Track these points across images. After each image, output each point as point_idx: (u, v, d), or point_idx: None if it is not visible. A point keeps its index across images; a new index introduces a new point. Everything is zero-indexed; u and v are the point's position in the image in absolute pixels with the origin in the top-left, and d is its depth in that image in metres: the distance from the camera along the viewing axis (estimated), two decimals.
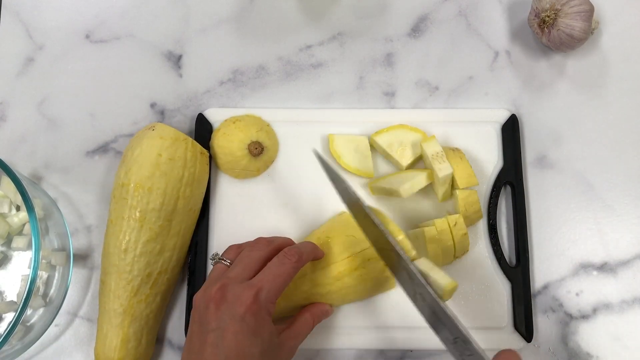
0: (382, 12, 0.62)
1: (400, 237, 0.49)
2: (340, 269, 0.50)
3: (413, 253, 0.48)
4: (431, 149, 0.54)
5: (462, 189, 0.53)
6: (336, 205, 0.53)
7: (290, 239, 0.51)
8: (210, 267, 0.53)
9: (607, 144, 0.59)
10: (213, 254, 0.49)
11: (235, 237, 0.54)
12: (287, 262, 0.45)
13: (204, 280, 0.54)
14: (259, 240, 0.49)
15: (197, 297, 0.45)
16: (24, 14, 0.63)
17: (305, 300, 0.51)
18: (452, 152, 0.54)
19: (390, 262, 0.47)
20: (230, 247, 0.49)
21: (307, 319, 0.49)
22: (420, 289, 0.44)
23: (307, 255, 0.48)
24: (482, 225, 0.56)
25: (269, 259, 0.47)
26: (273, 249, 0.47)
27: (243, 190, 0.56)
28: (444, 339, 0.44)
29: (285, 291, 0.48)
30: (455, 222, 0.52)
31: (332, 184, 0.48)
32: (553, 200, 0.57)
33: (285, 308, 0.51)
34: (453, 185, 0.54)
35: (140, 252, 0.49)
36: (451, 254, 0.53)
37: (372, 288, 0.52)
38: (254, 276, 0.45)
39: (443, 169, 0.53)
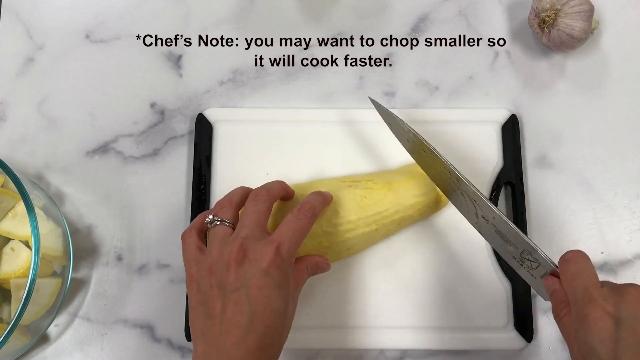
0: (382, 12, 0.62)
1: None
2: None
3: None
4: None
5: None
6: None
7: (283, 181, 0.50)
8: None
9: (607, 144, 0.59)
10: (209, 218, 0.47)
11: None
12: (302, 217, 0.46)
13: None
14: (258, 192, 0.48)
15: (212, 260, 0.44)
16: (24, 14, 0.63)
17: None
18: None
19: (450, 190, 0.50)
20: (219, 204, 0.48)
21: (302, 268, 0.49)
22: (485, 210, 0.47)
23: (319, 208, 0.48)
24: None
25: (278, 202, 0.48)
26: (274, 197, 0.48)
27: None
28: (509, 257, 0.47)
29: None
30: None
31: (389, 126, 0.52)
32: (553, 200, 0.57)
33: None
34: None
35: None
36: None
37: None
38: (267, 230, 0.45)
39: None
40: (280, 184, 0.50)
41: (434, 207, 0.55)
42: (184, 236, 0.47)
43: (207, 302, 0.43)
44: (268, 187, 0.48)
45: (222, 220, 0.46)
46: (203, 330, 0.42)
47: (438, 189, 0.53)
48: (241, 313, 0.41)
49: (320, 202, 0.48)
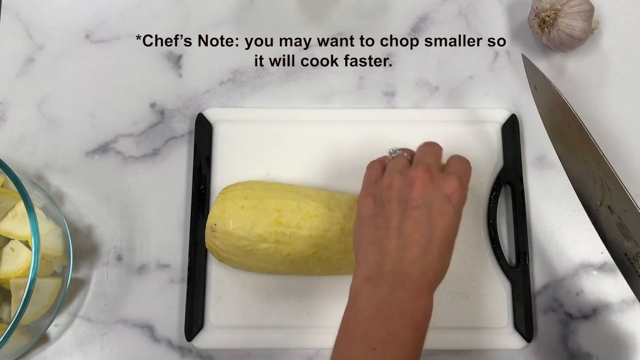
0: (382, 12, 0.62)
1: None
2: None
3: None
4: None
5: None
6: None
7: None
8: None
9: (607, 144, 0.59)
10: (392, 149, 0.49)
11: None
12: (465, 161, 0.47)
13: (204, 280, 0.54)
14: (433, 142, 0.49)
15: (392, 178, 0.45)
16: (24, 14, 0.63)
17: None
18: None
19: (581, 172, 0.49)
20: (405, 148, 0.50)
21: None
22: (616, 200, 0.46)
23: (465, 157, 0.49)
24: (482, 225, 0.56)
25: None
26: (441, 151, 0.49)
27: None
28: (620, 254, 0.46)
29: None
30: None
31: (533, 90, 0.52)
32: (553, 200, 0.57)
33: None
34: None
35: None
36: None
37: None
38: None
39: None
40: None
41: None
42: (370, 165, 0.49)
43: (383, 214, 0.44)
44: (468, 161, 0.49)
45: (403, 153, 0.48)
46: (374, 240, 0.43)
47: None
48: (420, 232, 0.42)
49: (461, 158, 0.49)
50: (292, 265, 0.51)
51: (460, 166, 0.46)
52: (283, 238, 0.50)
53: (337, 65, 0.61)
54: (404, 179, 0.44)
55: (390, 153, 0.49)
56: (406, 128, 0.58)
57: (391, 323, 0.40)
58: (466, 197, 0.45)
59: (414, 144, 0.57)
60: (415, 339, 0.40)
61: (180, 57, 0.61)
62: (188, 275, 0.55)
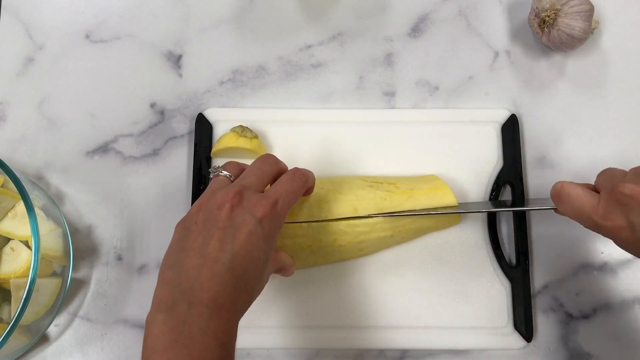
0: (382, 12, 0.62)
1: None
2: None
3: None
4: None
5: None
6: None
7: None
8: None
9: (607, 144, 0.59)
10: (213, 167, 0.48)
11: None
12: (297, 179, 0.46)
13: None
14: (269, 156, 0.48)
15: (201, 201, 0.43)
16: (24, 14, 0.63)
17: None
18: None
19: None
20: (229, 162, 0.48)
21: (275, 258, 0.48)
22: None
23: (311, 182, 0.48)
24: (482, 225, 0.56)
25: (277, 176, 0.47)
26: (280, 168, 0.48)
27: None
28: None
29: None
30: None
31: None
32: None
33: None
34: None
35: None
36: None
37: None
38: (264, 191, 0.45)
39: None
40: (313, 178, 0.49)
41: (453, 220, 0.55)
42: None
43: (189, 237, 0.42)
44: (307, 174, 0.47)
45: (222, 171, 0.46)
46: (175, 262, 0.41)
47: (456, 202, 0.53)
48: (223, 250, 0.40)
49: (313, 177, 0.48)
50: (311, 256, 0.52)
51: (285, 187, 0.45)
52: (300, 231, 0.50)
53: (337, 65, 0.61)
54: (214, 200, 0.43)
55: (211, 171, 0.47)
56: (406, 128, 0.58)
57: (193, 345, 0.37)
58: (282, 219, 0.44)
59: (413, 144, 0.57)
60: (224, 359, 0.38)
61: (180, 57, 0.61)
62: None
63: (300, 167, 0.48)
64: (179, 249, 0.41)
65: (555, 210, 0.47)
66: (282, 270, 0.49)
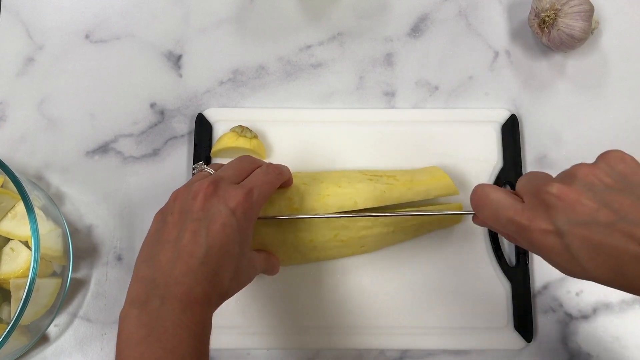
0: (382, 12, 0.62)
1: None
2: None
3: None
4: None
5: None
6: None
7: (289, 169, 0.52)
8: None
9: (607, 144, 0.58)
10: (197, 163, 0.49)
11: None
12: (271, 172, 0.47)
13: None
14: (247, 156, 0.49)
15: (178, 191, 0.44)
16: (24, 14, 0.63)
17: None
18: None
19: None
20: (213, 163, 0.51)
21: (259, 257, 0.49)
22: None
23: (286, 175, 0.49)
24: None
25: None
26: (258, 166, 0.48)
27: None
28: None
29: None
30: None
31: None
32: None
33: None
34: None
35: None
36: None
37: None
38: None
39: None
40: (289, 171, 0.50)
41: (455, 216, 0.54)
42: None
43: (164, 229, 0.42)
44: (281, 169, 0.49)
45: (205, 168, 0.47)
46: (150, 256, 0.41)
47: (457, 191, 0.53)
48: (197, 243, 0.40)
49: (287, 171, 0.50)
50: (313, 252, 0.52)
51: (260, 177, 0.46)
52: (302, 225, 0.50)
53: (337, 65, 0.61)
54: (189, 190, 0.43)
55: (195, 167, 0.48)
56: (406, 128, 0.58)
57: (167, 339, 0.37)
58: (257, 209, 0.44)
59: (413, 144, 0.57)
60: (198, 351, 0.38)
61: (180, 57, 0.61)
62: None
63: (276, 164, 0.49)
64: (155, 242, 0.42)
65: (474, 217, 0.44)
66: (268, 268, 0.50)
